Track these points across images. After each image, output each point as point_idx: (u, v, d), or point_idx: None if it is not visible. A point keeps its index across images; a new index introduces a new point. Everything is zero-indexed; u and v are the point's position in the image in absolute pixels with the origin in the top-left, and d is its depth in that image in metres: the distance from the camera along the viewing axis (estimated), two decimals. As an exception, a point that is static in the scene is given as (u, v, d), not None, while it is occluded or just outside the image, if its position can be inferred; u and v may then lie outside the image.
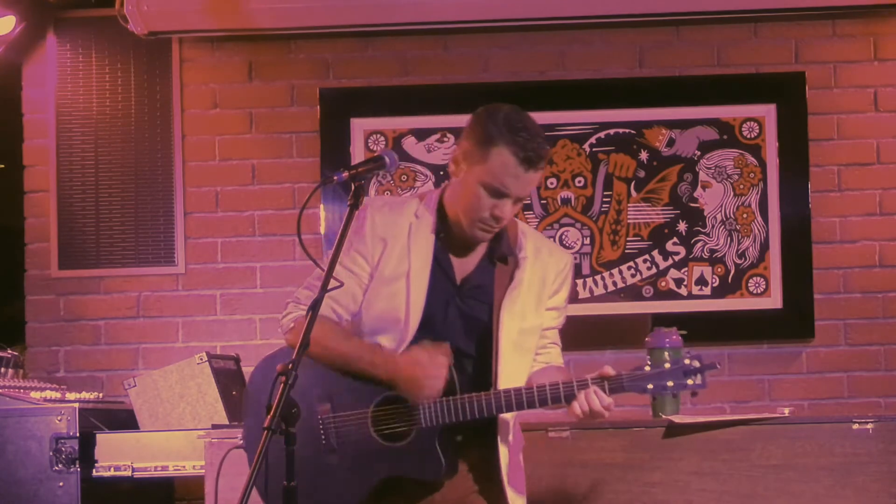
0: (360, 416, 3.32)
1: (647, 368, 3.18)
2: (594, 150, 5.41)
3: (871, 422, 4.09)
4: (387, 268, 3.35)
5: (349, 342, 3.35)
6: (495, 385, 3.29)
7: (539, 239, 3.50)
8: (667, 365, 3.17)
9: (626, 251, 5.38)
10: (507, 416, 3.35)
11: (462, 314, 3.35)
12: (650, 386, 3.17)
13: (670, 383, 3.17)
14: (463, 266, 3.38)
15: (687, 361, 3.17)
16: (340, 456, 3.33)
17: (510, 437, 3.40)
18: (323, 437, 3.35)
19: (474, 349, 3.35)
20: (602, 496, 4.07)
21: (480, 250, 3.38)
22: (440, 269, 3.35)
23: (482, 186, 3.23)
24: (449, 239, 3.36)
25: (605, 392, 3.19)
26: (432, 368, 3.22)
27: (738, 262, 5.37)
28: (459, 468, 3.35)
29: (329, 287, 3.03)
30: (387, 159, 3.21)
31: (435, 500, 3.35)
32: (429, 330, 3.32)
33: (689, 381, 3.17)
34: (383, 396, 3.31)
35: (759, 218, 5.37)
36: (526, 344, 3.37)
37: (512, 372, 3.30)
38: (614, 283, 5.38)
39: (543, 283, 3.40)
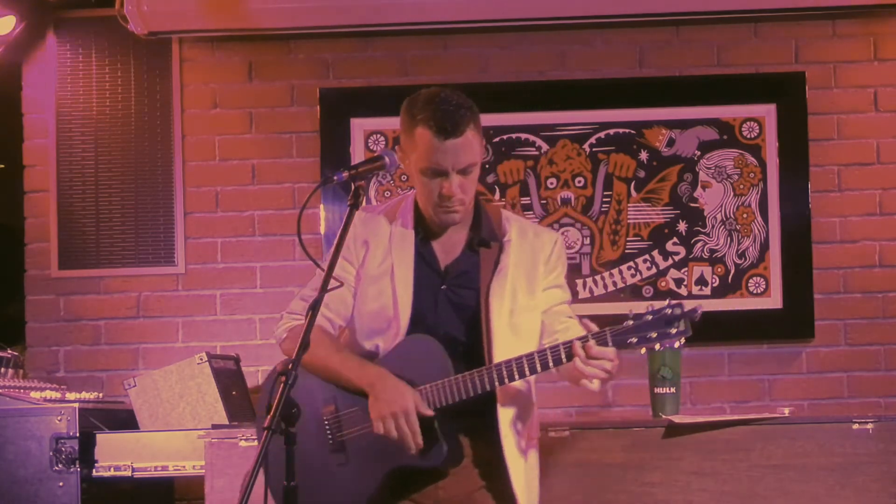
0: (362, 411, 3.33)
1: (630, 322, 3.17)
2: (594, 150, 5.41)
3: (871, 422, 4.09)
4: (371, 267, 3.42)
5: (337, 355, 3.39)
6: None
7: (523, 223, 3.53)
8: (649, 317, 3.16)
9: (626, 251, 5.38)
10: (513, 385, 3.34)
11: (451, 302, 3.39)
12: (634, 339, 3.16)
13: (654, 334, 3.16)
14: (447, 255, 3.43)
15: (668, 311, 3.15)
16: (346, 453, 3.35)
17: (518, 429, 3.37)
18: (329, 436, 3.36)
19: (464, 334, 3.38)
20: (602, 496, 4.07)
21: (462, 239, 3.42)
22: (424, 261, 3.40)
23: (421, 173, 3.31)
24: (428, 232, 3.42)
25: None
26: (407, 420, 3.23)
27: (738, 262, 5.37)
28: (465, 462, 3.36)
29: (329, 287, 3.06)
30: (387, 159, 3.25)
31: (440, 496, 3.36)
32: (420, 322, 3.36)
33: (673, 330, 3.15)
34: None
35: (759, 218, 5.37)
36: (521, 325, 3.38)
37: (507, 353, 3.30)
38: (614, 283, 5.38)
39: (534, 264, 3.43)
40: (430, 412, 3.25)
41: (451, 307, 3.39)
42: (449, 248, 3.43)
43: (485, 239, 3.42)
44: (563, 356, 3.20)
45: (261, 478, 3.50)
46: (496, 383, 3.25)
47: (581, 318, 3.32)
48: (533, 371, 3.24)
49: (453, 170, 3.27)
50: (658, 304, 3.17)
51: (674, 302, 3.18)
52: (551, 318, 3.43)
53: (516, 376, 3.25)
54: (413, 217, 3.43)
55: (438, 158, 3.26)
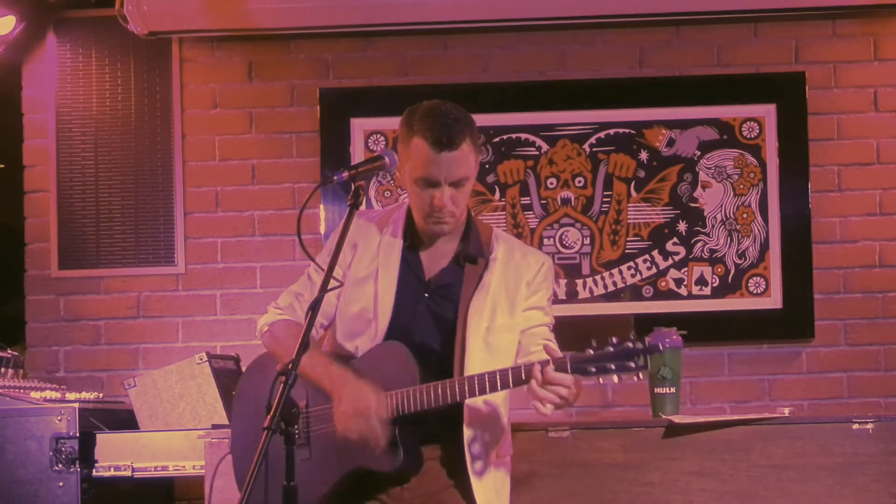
0: (328, 411, 3.37)
1: (591, 352, 3.20)
2: (594, 150, 5.41)
3: (871, 422, 4.09)
4: (357, 270, 3.47)
5: (307, 353, 3.35)
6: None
7: (513, 243, 3.57)
8: (610, 349, 3.20)
9: (626, 251, 5.38)
10: (478, 406, 3.39)
11: (430, 311, 3.43)
12: (593, 369, 3.19)
13: (612, 366, 3.19)
14: (432, 266, 3.47)
15: (629, 345, 3.19)
16: (310, 450, 3.40)
17: (474, 451, 3.41)
18: (295, 432, 3.38)
19: (440, 345, 3.42)
20: (602, 496, 4.07)
21: (450, 251, 3.47)
22: (409, 269, 3.45)
23: (414, 182, 3.35)
24: (418, 241, 3.47)
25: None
26: (367, 422, 3.27)
27: (738, 262, 5.37)
28: (432, 464, 3.40)
29: (329, 287, 3.08)
30: (387, 159, 3.28)
31: (404, 497, 3.40)
32: (399, 327, 3.40)
33: (631, 364, 3.18)
34: None
35: (759, 218, 5.37)
36: (497, 343, 3.42)
37: (479, 369, 3.33)
38: (614, 283, 5.38)
39: (517, 285, 3.47)
40: (385, 415, 3.28)
41: (430, 316, 3.43)
42: (436, 258, 3.47)
43: (471, 255, 3.46)
44: (522, 376, 3.23)
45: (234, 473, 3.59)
46: (457, 397, 3.28)
47: (547, 343, 3.35)
48: (493, 388, 3.26)
49: (446, 182, 3.31)
50: (622, 338, 3.22)
51: (638, 337, 3.23)
52: (528, 339, 3.47)
53: (477, 392, 3.27)
54: (404, 225, 3.48)
55: (432, 170, 3.30)
